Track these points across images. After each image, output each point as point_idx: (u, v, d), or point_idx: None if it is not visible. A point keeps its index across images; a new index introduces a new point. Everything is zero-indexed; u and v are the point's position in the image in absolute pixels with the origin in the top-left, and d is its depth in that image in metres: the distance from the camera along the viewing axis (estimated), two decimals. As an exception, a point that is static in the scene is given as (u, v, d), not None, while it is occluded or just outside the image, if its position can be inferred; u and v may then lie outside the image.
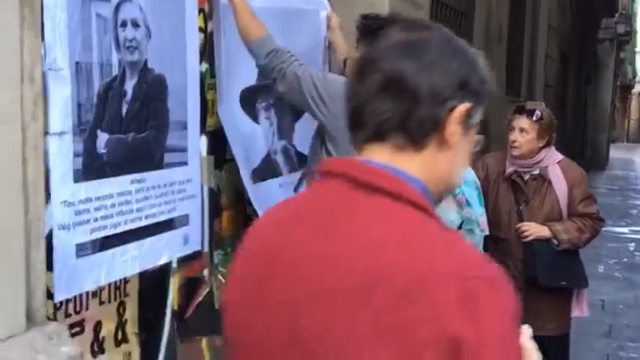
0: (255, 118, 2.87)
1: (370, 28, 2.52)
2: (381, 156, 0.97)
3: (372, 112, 0.96)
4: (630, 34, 27.65)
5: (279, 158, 3.02)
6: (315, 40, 3.11)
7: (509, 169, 3.37)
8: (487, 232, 2.91)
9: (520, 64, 7.95)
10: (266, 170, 2.90)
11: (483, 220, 2.90)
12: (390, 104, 0.95)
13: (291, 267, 0.92)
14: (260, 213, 2.73)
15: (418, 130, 0.95)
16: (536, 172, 3.35)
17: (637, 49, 47.84)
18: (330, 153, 2.47)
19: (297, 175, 3.10)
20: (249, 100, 2.81)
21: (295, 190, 2.70)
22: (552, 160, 3.35)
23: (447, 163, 0.98)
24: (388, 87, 0.95)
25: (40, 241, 1.49)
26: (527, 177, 3.36)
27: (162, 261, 2.33)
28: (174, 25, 2.37)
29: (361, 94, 0.97)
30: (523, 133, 3.28)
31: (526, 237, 3.28)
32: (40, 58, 1.51)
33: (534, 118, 3.27)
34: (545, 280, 3.28)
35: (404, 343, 0.80)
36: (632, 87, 48.36)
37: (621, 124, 46.42)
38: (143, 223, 2.23)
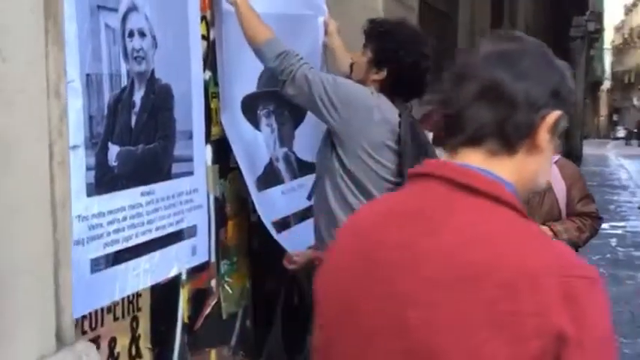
0: (256, 126, 2.85)
1: (378, 31, 2.52)
2: (476, 160, 1.02)
3: (470, 119, 1.02)
4: (600, 31, 28.09)
5: (281, 165, 3.00)
6: (313, 45, 3.10)
7: None
8: None
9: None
10: (269, 178, 2.88)
11: None
12: (487, 111, 1.00)
13: (396, 261, 0.98)
14: (265, 221, 2.71)
15: (514, 135, 1.00)
16: None
17: (605, 47, 48.64)
18: (340, 158, 2.46)
19: (298, 182, 3.08)
20: (250, 107, 2.79)
21: (309, 197, 2.67)
22: None
23: (535, 167, 1.04)
24: (486, 94, 1.00)
25: (67, 260, 1.45)
26: None
27: (173, 273, 2.30)
28: (178, 33, 2.34)
29: (458, 101, 1.03)
30: None
31: None
32: (64, 72, 1.47)
33: None
34: None
35: (514, 331, 0.87)
36: (601, 84, 49.16)
37: (591, 120, 47.09)
38: (153, 235, 2.20)
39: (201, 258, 2.47)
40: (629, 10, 56.30)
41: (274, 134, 2.97)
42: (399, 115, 2.48)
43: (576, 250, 3.34)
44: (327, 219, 2.51)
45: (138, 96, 2.13)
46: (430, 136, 2.68)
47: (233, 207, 2.69)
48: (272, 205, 2.84)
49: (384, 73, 2.50)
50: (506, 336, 0.87)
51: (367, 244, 1.03)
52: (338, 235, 1.13)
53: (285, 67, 2.45)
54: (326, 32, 3.15)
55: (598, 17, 23.25)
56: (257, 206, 2.67)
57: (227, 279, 2.65)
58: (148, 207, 2.17)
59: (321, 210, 2.55)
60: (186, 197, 2.38)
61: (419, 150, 2.48)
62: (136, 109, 2.12)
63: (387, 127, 2.45)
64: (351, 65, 2.62)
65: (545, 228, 3.27)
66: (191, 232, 2.40)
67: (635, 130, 39.78)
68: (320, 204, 2.56)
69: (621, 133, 42.74)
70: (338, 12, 3.29)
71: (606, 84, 57.38)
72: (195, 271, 2.42)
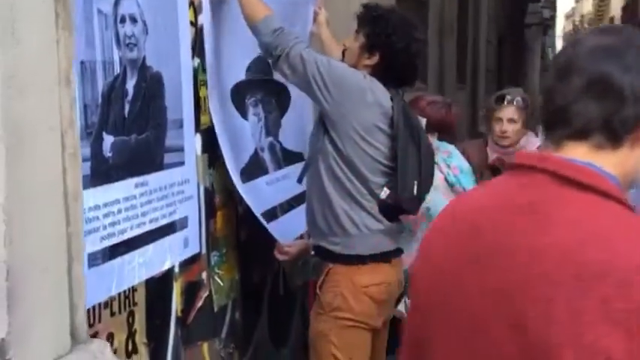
0: (244, 115, 2.79)
1: (371, 16, 2.49)
2: (581, 154, 1.02)
3: (576, 113, 1.02)
4: (554, 18, 28.52)
5: (266, 155, 2.95)
6: (302, 32, 3.05)
7: (492, 157, 3.38)
8: None
9: (465, 52, 8.06)
10: (253, 169, 2.83)
11: None
12: (594, 105, 1.00)
13: (505, 253, 0.99)
14: (256, 211, 2.67)
15: (621, 129, 1.01)
16: None
17: (557, 34, 49.40)
18: (332, 140, 2.42)
19: (282, 172, 3.03)
20: (238, 95, 2.73)
21: (299, 180, 2.62)
22: (533, 145, 3.35)
23: (637, 160, 1.04)
24: (593, 88, 1.00)
25: (80, 255, 1.39)
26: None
27: (166, 266, 2.24)
28: (167, 19, 2.27)
29: (565, 95, 1.03)
30: (511, 122, 3.29)
31: None
32: (73, 59, 1.40)
33: (521, 106, 3.28)
34: None
35: (629, 327, 0.88)
36: (554, 70, 49.90)
37: (544, 106, 47.68)
38: (147, 227, 2.14)
39: (193, 250, 2.41)
40: (579, -2, 57.27)
41: (261, 123, 2.92)
42: (392, 99, 2.46)
43: None
44: (320, 202, 2.48)
45: (130, 84, 2.06)
46: (423, 122, 2.66)
47: (221, 198, 2.64)
48: (258, 196, 2.79)
49: (376, 58, 2.47)
50: (621, 332, 0.87)
51: (476, 237, 1.04)
52: (437, 226, 1.15)
53: (280, 43, 2.40)
54: (315, 21, 3.11)
55: (552, 4, 23.59)
56: (245, 197, 2.62)
57: (217, 271, 2.60)
58: (142, 199, 2.11)
59: (314, 193, 2.52)
60: (178, 188, 2.32)
61: (411, 134, 2.46)
62: (129, 97, 2.05)
63: (379, 109, 2.43)
64: (344, 52, 2.59)
65: None
66: (183, 223, 2.35)
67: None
68: (313, 187, 2.53)
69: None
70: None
71: (558, 71, 58.21)
72: (186, 264, 2.37)
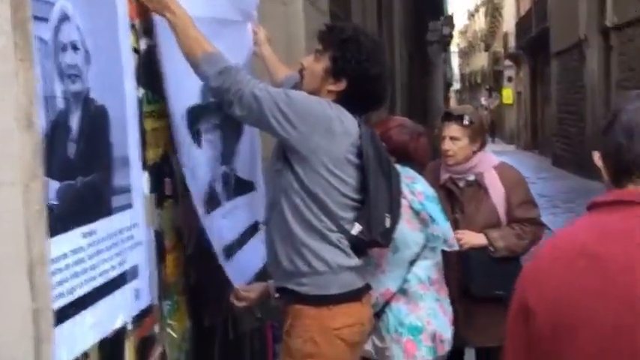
0: (199, 143, 2.56)
1: (339, 38, 2.32)
2: None
3: None
4: (451, 35, 29.41)
5: (218, 186, 2.73)
6: (244, 54, 2.86)
7: (444, 177, 3.26)
8: (457, 247, 2.77)
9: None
10: (210, 201, 2.61)
11: (451, 234, 2.76)
12: None
13: (632, 273, 1.22)
14: (217, 248, 2.44)
15: None
16: (472, 178, 3.22)
17: (453, 50, 51.16)
18: (298, 177, 2.24)
19: (233, 203, 2.81)
20: (193, 122, 2.50)
21: (266, 222, 2.40)
22: (488, 165, 3.24)
23: None
24: None
25: (49, 334, 1.14)
26: (462, 184, 3.24)
27: (118, 324, 1.98)
28: (109, 46, 2.02)
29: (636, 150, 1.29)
30: (455, 140, 3.18)
31: (461, 246, 3.17)
32: (37, 95, 1.15)
33: (465, 123, 3.17)
34: (479, 290, 3.16)
35: None
36: (452, 85, 51.62)
37: (444, 119, 49.12)
38: (98, 282, 1.88)
39: (145, 302, 2.16)
40: (471, 15, 59.55)
41: (216, 151, 2.69)
42: (359, 127, 2.30)
43: (517, 259, 3.27)
44: (285, 242, 2.28)
45: (74, 120, 1.80)
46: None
47: (171, 240, 2.39)
48: (217, 229, 2.57)
49: (342, 84, 2.30)
50: None
51: (596, 260, 1.26)
52: (547, 255, 1.38)
53: (230, 86, 2.20)
54: (256, 41, 2.92)
55: (450, 22, 24.30)
56: (207, 232, 2.40)
57: (170, 322, 2.34)
58: (91, 250, 1.85)
59: (276, 233, 2.32)
60: (127, 234, 2.07)
61: (381, 164, 2.31)
62: (73, 135, 1.79)
63: (348, 139, 2.26)
64: (301, 71, 2.40)
65: (479, 235, 3.17)
66: (133, 273, 2.09)
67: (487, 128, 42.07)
68: (275, 227, 2.32)
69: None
70: (262, 24, 3.07)
71: (455, 85, 60.40)
72: (139, 318, 2.11)
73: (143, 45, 2.24)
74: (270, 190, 2.39)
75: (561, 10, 19.00)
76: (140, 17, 2.23)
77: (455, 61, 58.53)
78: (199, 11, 2.46)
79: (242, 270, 2.65)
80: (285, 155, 2.26)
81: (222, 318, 2.85)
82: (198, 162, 2.52)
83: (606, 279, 1.22)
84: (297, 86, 2.46)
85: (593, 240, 1.27)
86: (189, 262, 2.54)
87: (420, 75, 17.23)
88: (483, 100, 50.72)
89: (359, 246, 2.29)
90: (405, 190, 2.61)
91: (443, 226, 2.70)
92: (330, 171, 2.23)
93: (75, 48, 1.82)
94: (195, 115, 2.49)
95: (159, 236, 2.29)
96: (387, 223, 2.28)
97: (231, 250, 2.65)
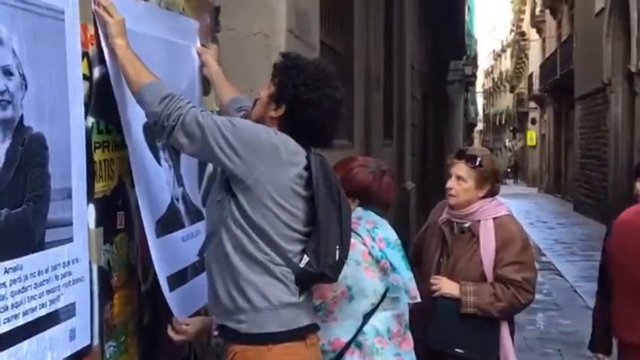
0: (157, 159, 2.46)
1: (286, 65, 2.24)
2: None
3: None
4: (475, 75, 29.37)
5: (181, 206, 2.61)
6: (191, 79, 2.77)
7: (443, 217, 3.11)
8: (418, 299, 2.58)
9: (391, 107, 7.95)
10: (170, 220, 2.49)
11: (413, 285, 2.56)
12: None
13: None
14: (160, 275, 2.32)
15: None
16: (467, 224, 3.04)
17: (477, 90, 51.11)
18: (241, 207, 2.12)
19: (197, 227, 2.69)
20: (150, 137, 2.40)
21: (200, 254, 2.28)
22: (488, 215, 3.02)
23: None
24: None
25: None
26: (456, 229, 3.07)
27: (46, 366, 1.86)
28: (53, 72, 1.94)
29: None
30: (460, 180, 3.01)
31: (433, 292, 2.99)
32: None
33: (473, 165, 3.00)
34: (436, 343, 2.93)
35: None
36: (475, 125, 51.49)
37: (467, 160, 48.84)
38: (20, 321, 1.76)
39: (81, 343, 2.04)
40: (497, 56, 59.58)
41: (172, 171, 2.59)
42: (307, 158, 2.19)
43: (492, 321, 2.98)
44: (224, 276, 2.16)
45: (2, 148, 1.71)
46: None
47: (121, 276, 2.28)
48: (171, 254, 2.45)
49: (281, 110, 2.21)
50: None
51: None
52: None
53: (172, 111, 2.10)
54: (202, 62, 2.81)
55: (473, 62, 24.26)
56: (153, 257, 2.29)
57: (113, 364, 2.22)
58: (14, 287, 1.74)
59: (215, 267, 2.19)
60: (64, 270, 1.96)
61: (331, 194, 2.19)
62: (0, 165, 1.70)
63: (295, 170, 2.15)
64: (255, 100, 2.32)
65: (455, 285, 2.96)
66: (69, 312, 1.98)
67: (509, 170, 41.72)
68: (213, 261, 2.20)
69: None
70: (238, 50, 2.99)
71: (479, 125, 60.21)
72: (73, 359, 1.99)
73: (97, 73, 2.16)
74: (209, 221, 2.28)
75: (586, 53, 18.84)
76: (95, 44, 2.15)
77: (479, 102, 58.41)
78: (143, 27, 2.40)
79: (188, 301, 2.52)
80: (227, 185, 2.16)
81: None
82: (159, 181, 2.43)
83: None
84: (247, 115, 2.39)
85: None
86: (143, 301, 2.42)
87: (437, 115, 17.10)
88: (507, 142, 50.40)
89: (306, 280, 2.17)
90: (364, 235, 2.48)
91: (404, 275, 2.53)
92: (276, 201, 2.12)
93: (8, 73, 1.74)
94: (152, 133, 2.40)
95: (105, 273, 2.18)
96: (337, 255, 2.16)
97: (181, 279, 2.52)
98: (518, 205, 19.11)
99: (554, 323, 7.44)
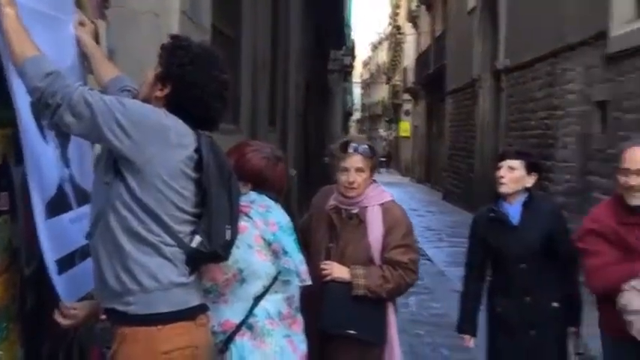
0: (44, 137, 2.36)
1: (172, 45, 2.24)
2: None
3: None
4: (352, 66, 29.97)
5: (68, 188, 2.52)
6: (72, 54, 2.63)
7: (330, 203, 3.16)
8: (309, 282, 2.64)
9: (276, 93, 7.98)
10: (59, 202, 2.41)
11: (304, 268, 2.61)
12: None
13: None
14: (48, 259, 2.24)
15: None
16: (355, 211, 3.12)
17: (355, 80, 52.15)
18: (130, 189, 2.09)
19: (84, 209, 2.60)
20: (38, 116, 2.29)
21: (89, 236, 2.23)
22: (375, 201, 3.12)
23: None
24: None
25: None
26: (344, 215, 3.14)
27: None
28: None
29: None
30: (359, 172, 3.07)
31: (325, 277, 3.07)
32: None
33: (369, 155, 3.08)
34: (328, 326, 3.01)
35: None
36: (352, 114, 52.54)
37: (343, 148, 49.81)
38: None
39: (-38, 328, 1.94)
40: (375, 47, 61.04)
41: (58, 151, 2.49)
42: (197, 140, 2.18)
43: (380, 302, 3.10)
44: (111, 259, 2.13)
45: None
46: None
47: (3, 260, 2.17)
48: (59, 237, 2.36)
49: (167, 90, 2.21)
50: None
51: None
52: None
53: (57, 89, 2.03)
54: (78, 39, 2.63)
55: (351, 52, 24.75)
56: (42, 240, 2.20)
57: (-5, 350, 2.12)
58: None
59: (102, 250, 2.15)
60: (-56, 252, 1.85)
61: (221, 173, 2.21)
62: None
63: (184, 151, 2.15)
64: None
65: (345, 269, 3.05)
66: (-51, 296, 1.88)
67: (384, 159, 42.96)
68: (100, 243, 2.15)
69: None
70: (131, 32, 2.91)
71: (356, 115, 61.53)
72: (-47, 346, 1.89)
73: (-17, 45, 2.05)
74: (95, 204, 2.23)
75: (458, 49, 19.67)
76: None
77: (357, 91, 59.65)
78: (33, 3, 2.29)
79: (76, 286, 2.45)
80: (115, 166, 2.12)
81: (66, 345, 2.64)
82: (47, 161, 2.34)
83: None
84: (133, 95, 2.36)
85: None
86: (26, 285, 2.32)
87: (319, 103, 17.34)
88: (382, 132, 51.86)
89: (197, 260, 2.18)
90: (256, 219, 2.51)
91: (295, 258, 2.58)
92: (166, 182, 2.11)
93: None
94: (38, 111, 2.30)
95: (-13, 256, 2.08)
96: (228, 235, 2.19)
97: (69, 262, 2.44)
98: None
99: (426, 306, 7.78)
